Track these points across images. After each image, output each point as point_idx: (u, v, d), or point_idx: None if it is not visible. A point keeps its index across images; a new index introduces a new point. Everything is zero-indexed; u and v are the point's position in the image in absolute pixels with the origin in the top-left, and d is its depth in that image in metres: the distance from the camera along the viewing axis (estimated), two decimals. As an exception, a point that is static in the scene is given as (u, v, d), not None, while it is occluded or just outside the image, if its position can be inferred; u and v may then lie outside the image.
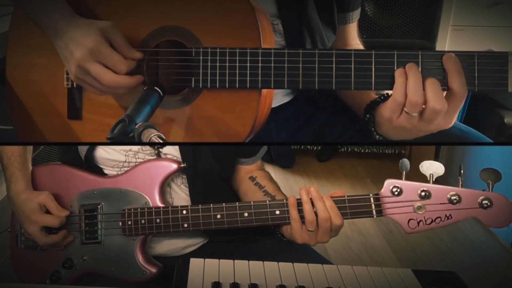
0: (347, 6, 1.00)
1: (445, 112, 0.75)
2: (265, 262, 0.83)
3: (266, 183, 1.01)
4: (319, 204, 0.80)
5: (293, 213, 0.82)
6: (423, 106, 0.75)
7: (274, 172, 2.88)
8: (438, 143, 2.35)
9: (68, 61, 0.84)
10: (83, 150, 0.96)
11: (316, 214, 0.80)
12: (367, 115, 0.86)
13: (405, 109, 0.76)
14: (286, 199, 0.84)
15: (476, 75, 0.76)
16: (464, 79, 0.74)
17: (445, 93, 0.76)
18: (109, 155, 0.95)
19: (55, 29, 0.85)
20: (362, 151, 3.13)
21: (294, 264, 0.83)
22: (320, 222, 0.80)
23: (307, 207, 0.80)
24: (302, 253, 0.99)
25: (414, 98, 0.74)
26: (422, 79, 0.75)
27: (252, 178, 1.02)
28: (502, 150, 2.18)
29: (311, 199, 0.81)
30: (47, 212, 0.90)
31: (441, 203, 0.77)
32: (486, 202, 0.75)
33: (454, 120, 0.78)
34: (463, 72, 0.75)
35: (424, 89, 0.75)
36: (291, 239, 0.86)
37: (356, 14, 1.03)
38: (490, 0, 1.78)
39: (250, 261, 0.83)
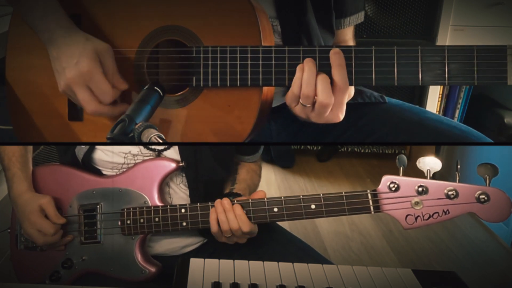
0: (345, 12, 1.02)
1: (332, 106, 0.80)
2: (265, 262, 0.83)
3: (242, 171, 1.04)
4: (229, 215, 0.84)
5: (212, 224, 0.86)
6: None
7: (274, 172, 2.88)
8: (438, 143, 2.35)
9: (58, 75, 0.85)
10: (80, 153, 0.96)
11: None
12: None
13: (300, 100, 0.81)
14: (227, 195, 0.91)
15: (475, 69, 0.76)
16: (346, 73, 0.79)
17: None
18: (108, 157, 0.95)
19: (50, 37, 0.85)
20: (362, 151, 3.13)
21: (294, 264, 0.83)
22: (233, 231, 0.85)
23: (221, 217, 0.85)
24: (302, 252, 0.99)
25: (306, 91, 0.80)
26: (317, 73, 0.80)
27: (235, 169, 1.06)
28: (502, 150, 2.18)
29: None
30: (46, 216, 0.90)
31: (438, 198, 0.77)
32: (483, 196, 0.75)
33: (342, 113, 0.83)
34: (345, 66, 0.79)
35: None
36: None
37: (353, 19, 1.04)
38: (490, 0, 1.78)
39: (250, 261, 0.83)
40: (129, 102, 0.83)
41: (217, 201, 0.86)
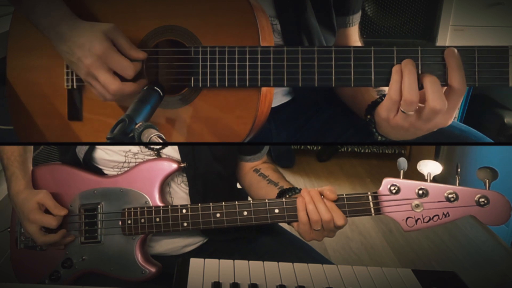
0: (348, 9, 1.01)
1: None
2: (265, 262, 0.83)
3: (269, 172, 1.01)
4: (320, 206, 0.79)
5: (302, 215, 0.81)
6: (422, 105, 0.74)
7: (274, 172, 2.88)
8: (438, 143, 2.35)
9: (76, 66, 0.85)
10: (81, 152, 0.96)
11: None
12: (368, 116, 0.85)
13: (400, 107, 0.74)
14: (285, 191, 0.87)
15: (476, 70, 0.75)
16: (464, 75, 0.73)
17: (444, 89, 0.75)
18: (109, 156, 0.95)
19: (56, 33, 0.86)
20: (362, 151, 3.13)
21: (294, 264, 0.83)
22: (324, 223, 0.80)
23: (310, 207, 0.80)
24: (302, 252, 0.99)
25: (409, 97, 0.73)
26: (421, 76, 0.74)
27: (256, 170, 1.03)
28: (501, 150, 2.18)
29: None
30: (46, 211, 0.90)
31: (438, 201, 0.78)
32: (483, 200, 0.76)
33: (453, 117, 0.76)
34: (463, 67, 0.73)
35: (423, 87, 0.73)
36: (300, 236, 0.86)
37: (356, 18, 1.03)
38: (490, 0, 1.78)
39: (250, 261, 0.83)
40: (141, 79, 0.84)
41: (304, 190, 0.80)
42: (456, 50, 0.73)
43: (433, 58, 0.76)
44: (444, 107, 0.72)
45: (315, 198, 0.80)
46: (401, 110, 0.74)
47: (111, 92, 0.83)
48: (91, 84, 0.85)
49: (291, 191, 0.90)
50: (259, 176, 1.01)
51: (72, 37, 0.84)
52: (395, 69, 0.75)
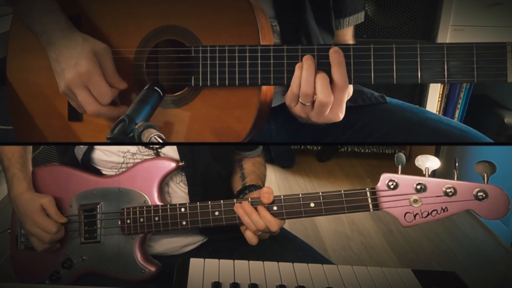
0: (344, 12, 1.02)
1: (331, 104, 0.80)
2: (265, 262, 0.83)
3: (247, 165, 1.04)
4: (254, 217, 0.82)
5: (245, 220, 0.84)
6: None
7: (274, 172, 2.89)
8: (438, 143, 2.35)
9: (58, 76, 0.86)
10: (79, 153, 0.96)
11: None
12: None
13: (299, 99, 0.81)
14: (243, 189, 0.93)
15: (474, 66, 0.75)
16: (345, 71, 0.79)
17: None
18: (107, 157, 0.95)
19: (48, 39, 0.86)
20: (362, 151, 3.13)
21: (294, 264, 0.83)
22: (261, 231, 0.84)
23: (246, 220, 0.83)
24: (302, 252, 0.99)
25: (305, 89, 0.80)
26: (315, 72, 0.80)
27: (240, 165, 1.05)
28: (501, 150, 2.18)
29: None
30: (47, 215, 0.90)
31: (437, 196, 0.77)
32: (481, 194, 0.75)
33: (342, 112, 0.82)
34: (345, 65, 0.79)
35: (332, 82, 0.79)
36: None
37: (352, 19, 1.04)
38: (490, 0, 1.78)
39: (250, 261, 0.83)
40: (128, 103, 0.83)
41: (237, 205, 0.84)
42: (338, 48, 0.79)
43: (432, 55, 0.76)
44: (329, 100, 0.80)
45: (247, 210, 0.83)
46: (300, 102, 0.81)
47: (88, 112, 0.84)
48: (69, 97, 0.86)
49: (250, 189, 0.94)
50: (237, 168, 1.04)
51: (61, 47, 0.84)
52: (298, 65, 0.81)
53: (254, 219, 0.82)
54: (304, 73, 0.80)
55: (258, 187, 0.95)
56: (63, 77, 0.84)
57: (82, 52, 0.82)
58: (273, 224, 0.82)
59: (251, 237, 0.85)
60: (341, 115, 0.83)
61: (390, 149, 3.05)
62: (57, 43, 0.84)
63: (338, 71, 0.79)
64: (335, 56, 0.79)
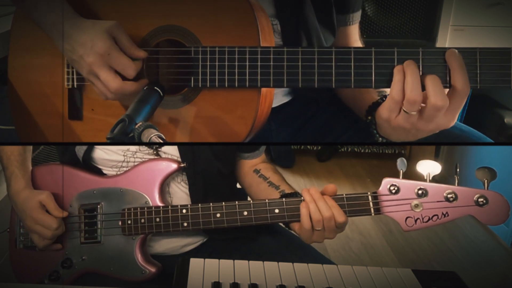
0: (348, 8, 1.00)
1: (446, 109, 0.73)
2: (265, 262, 0.83)
3: (270, 174, 1.01)
4: (321, 204, 0.79)
5: (305, 220, 0.80)
6: (423, 104, 0.73)
7: (274, 172, 2.88)
8: (438, 143, 2.35)
9: (78, 64, 0.85)
10: (80, 151, 0.96)
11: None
12: (369, 117, 0.85)
13: (403, 107, 0.74)
14: (287, 196, 0.86)
15: (478, 71, 0.74)
16: (467, 76, 0.72)
17: (446, 90, 0.74)
18: (108, 156, 0.95)
19: (58, 31, 0.86)
20: (362, 151, 3.13)
21: (294, 264, 0.83)
22: (325, 221, 0.80)
23: (312, 206, 0.80)
24: (302, 252, 0.99)
25: (412, 96, 0.72)
26: (422, 76, 0.74)
27: (257, 171, 1.03)
28: (501, 150, 2.18)
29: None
30: (47, 212, 0.90)
31: (437, 201, 0.78)
32: (481, 199, 0.76)
33: (455, 118, 0.76)
34: (465, 68, 0.73)
35: (424, 86, 0.73)
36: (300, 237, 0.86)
37: (357, 16, 1.03)
38: (490, 0, 1.78)
39: (250, 261, 0.83)
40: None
41: (305, 190, 0.80)
42: (457, 51, 0.73)
43: (434, 59, 0.75)
44: (445, 104, 0.72)
45: (315, 196, 0.80)
46: (404, 110, 0.74)
47: (112, 90, 0.83)
48: (93, 82, 0.85)
49: (292, 197, 0.89)
50: (259, 178, 1.01)
51: (74, 35, 0.84)
52: (397, 69, 0.74)
53: (321, 206, 0.78)
54: (409, 78, 0.72)
55: (299, 195, 0.89)
56: (83, 63, 0.83)
57: (95, 34, 0.82)
58: (341, 214, 0.78)
59: (309, 235, 0.80)
60: (454, 122, 0.76)
61: (390, 149, 3.05)
62: (68, 34, 0.84)
63: (461, 75, 0.72)
64: (455, 59, 0.72)
